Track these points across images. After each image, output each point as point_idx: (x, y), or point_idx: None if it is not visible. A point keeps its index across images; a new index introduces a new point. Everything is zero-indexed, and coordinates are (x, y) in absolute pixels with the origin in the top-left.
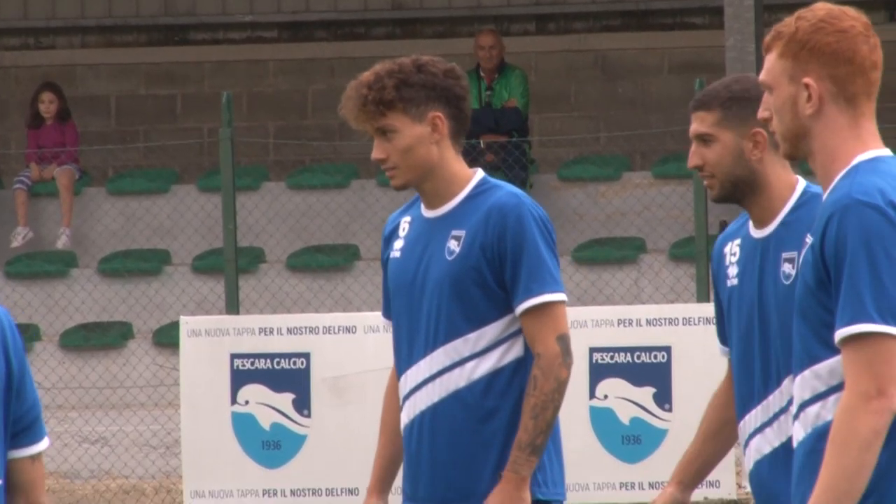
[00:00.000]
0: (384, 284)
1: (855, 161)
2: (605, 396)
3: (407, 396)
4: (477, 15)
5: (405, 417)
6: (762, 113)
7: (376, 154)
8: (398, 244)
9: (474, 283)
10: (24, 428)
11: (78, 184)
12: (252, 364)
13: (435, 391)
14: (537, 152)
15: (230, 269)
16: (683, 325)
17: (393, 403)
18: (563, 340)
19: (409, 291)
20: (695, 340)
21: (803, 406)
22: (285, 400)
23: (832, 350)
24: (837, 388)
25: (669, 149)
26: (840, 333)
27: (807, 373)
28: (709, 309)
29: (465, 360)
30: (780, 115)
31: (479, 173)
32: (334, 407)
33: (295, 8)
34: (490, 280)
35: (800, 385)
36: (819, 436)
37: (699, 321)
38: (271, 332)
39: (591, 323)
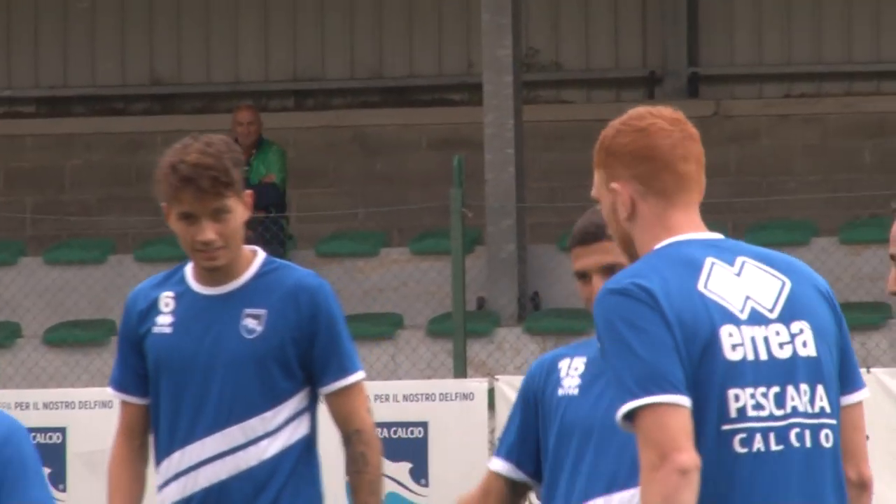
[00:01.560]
0: (127, 359)
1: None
2: None
3: (183, 472)
4: (235, 90)
5: (179, 493)
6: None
7: (207, 235)
8: (164, 319)
9: (276, 362)
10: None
11: None
12: None
13: (224, 468)
14: (295, 228)
15: None
16: (441, 400)
17: (127, 474)
18: (372, 414)
19: (188, 368)
20: (452, 416)
21: None
22: None
23: None
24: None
25: (427, 225)
26: (618, 419)
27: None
28: (467, 385)
29: (259, 439)
30: (609, 225)
31: (260, 251)
32: (90, 481)
33: (53, 82)
34: (292, 359)
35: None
36: None
37: (456, 397)
38: (27, 407)
39: None
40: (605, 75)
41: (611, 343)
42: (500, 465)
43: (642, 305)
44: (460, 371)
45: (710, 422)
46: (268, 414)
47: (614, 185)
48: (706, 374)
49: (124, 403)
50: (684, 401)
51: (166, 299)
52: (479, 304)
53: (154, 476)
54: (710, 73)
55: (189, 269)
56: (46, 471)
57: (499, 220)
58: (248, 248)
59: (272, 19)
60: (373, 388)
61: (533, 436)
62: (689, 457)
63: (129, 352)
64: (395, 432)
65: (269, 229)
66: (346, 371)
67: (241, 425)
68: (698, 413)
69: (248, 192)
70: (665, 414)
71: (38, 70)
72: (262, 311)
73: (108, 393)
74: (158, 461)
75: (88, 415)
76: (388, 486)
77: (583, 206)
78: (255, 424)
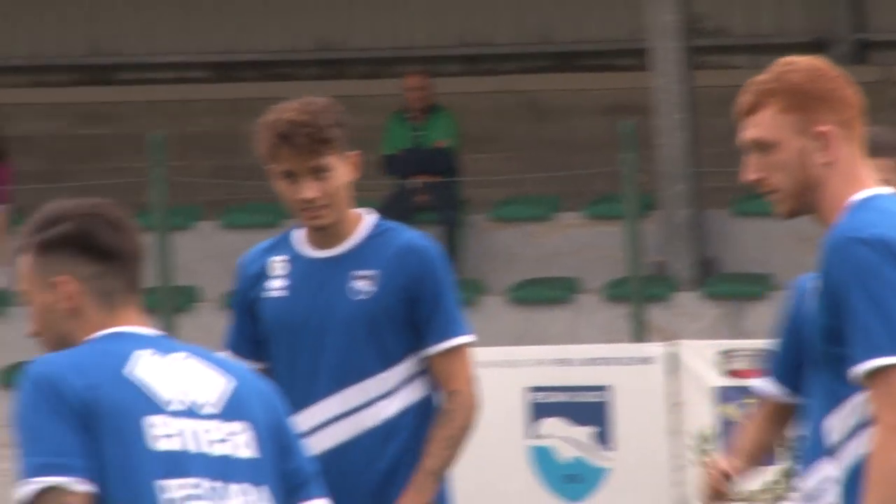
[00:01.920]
0: (240, 324)
1: (852, 200)
2: (545, 436)
3: (303, 436)
4: (404, 56)
5: None
6: (752, 174)
7: (307, 193)
8: (276, 283)
9: (388, 323)
10: (299, 484)
11: (11, 224)
12: None
13: (342, 430)
14: (469, 193)
15: (164, 307)
16: (620, 364)
17: None
18: (474, 381)
19: (301, 332)
20: (632, 380)
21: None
22: None
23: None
24: (864, 424)
25: (598, 190)
26: (856, 371)
27: (836, 412)
28: (646, 349)
29: (377, 400)
30: (787, 170)
31: (373, 214)
32: None
33: (223, 48)
34: (403, 320)
35: (830, 426)
36: (855, 472)
37: (635, 361)
38: None
39: (529, 363)
40: (771, 41)
41: (860, 294)
42: (771, 388)
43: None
44: (639, 335)
45: None
46: (383, 374)
47: (821, 128)
48: None
49: None
50: None
51: (277, 263)
52: (656, 269)
53: None
54: (878, 38)
55: (299, 233)
56: None
57: (672, 185)
58: (359, 210)
59: None
60: (551, 352)
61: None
62: None
63: (242, 316)
64: (578, 396)
65: (443, 194)
66: (448, 334)
67: (357, 386)
68: None
69: (355, 152)
70: None
71: (211, 36)
72: (372, 273)
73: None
74: None
75: None
76: (574, 450)
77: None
78: (371, 385)
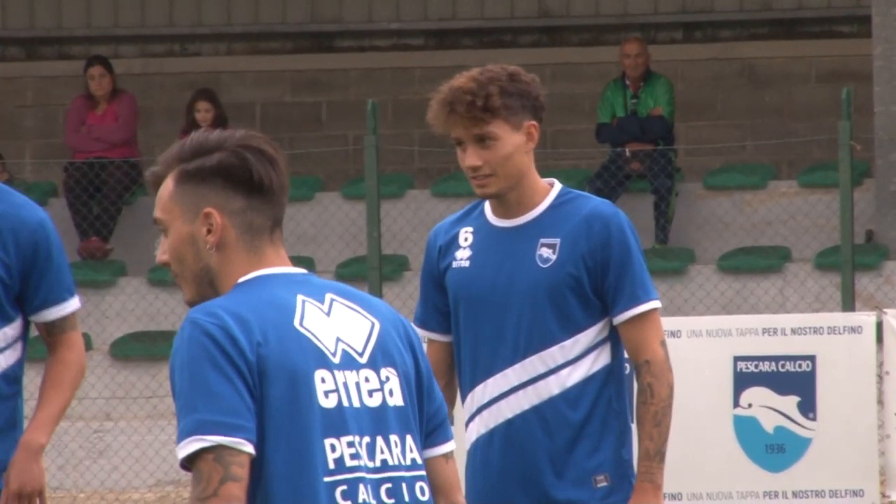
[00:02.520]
0: (429, 296)
1: None
2: (750, 405)
3: (485, 406)
4: (624, 23)
5: (482, 426)
6: None
7: (472, 161)
8: (462, 254)
9: (571, 291)
10: (436, 427)
11: None
12: None
13: (526, 399)
14: (683, 161)
15: (374, 276)
16: (828, 334)
17: None
18: (665, 346)
19: (485, 301)
20: (840, 350)
21: None
22: None
23: None
24: None
25: (815, 158)
26: None
27: None
28: (855, 318)
29: (560, 368)
30: None
31: (557, 183)
32: None
33: (441, 15)
34: (587, 288)
35: None
36: None
37: (844, 330)
38: None
39: (736, 332)
40: None
41: None
42: None
43: None
44: (848, 304)
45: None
46: (566, 342)
47: None
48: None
49: (429, 341)
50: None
51: (465, 234)
52: (867, 237)
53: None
54: None
55: (488, 204)
56: None
57: (888, 153)
58: (545, 180)
59: None
60: (760, 321)
61: None
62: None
63: (431, 289)
64: (783, 366)
65: (657, 162)
66: (637, 300)
67: (540, 355)
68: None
69: (532, 122)
70: None
71: (427, 3)
72: (555, 240)
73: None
74: (463, 397)
75: None
76: (776, 421)
77: None
78: (555, 353)
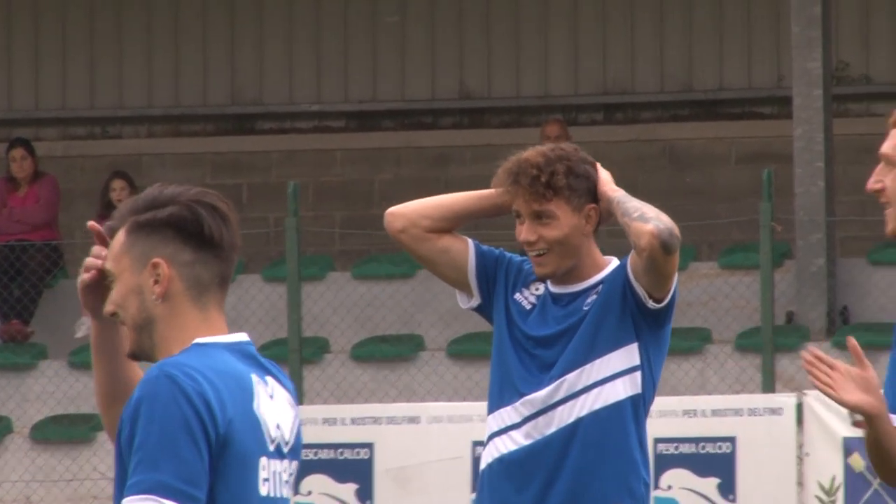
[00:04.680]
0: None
1: None
2: (670, 487)
3: (528, 419)
4: (545, 104)
5: (524, 438)
6: (874, 184)
7: (527, 235)
8: (529, 297)
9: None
10: None
11: None
12: (315, 454)
13: (574, 410)
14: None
15: (294, 359)
16: (749, 415)
17: None
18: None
19: (536, 346)
20: (760, 431)
21: None
22: (348, 490)
23: None
24: None
25: (736, 239)
26: None
27: None
28: (775, 400)
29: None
30: None
31: (615, 261)
32: (398, 498)
33: (362, 97)
34: (626, 312)
35: None
36: None
37: (764, 412)
38: (335, 423)
39: (656, 413)
40: None
41: None
42: None
43: None
44: (769, 386)
45: None
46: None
47: None
48: None
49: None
50: None
51: (536, 286)
52: (787, 319)
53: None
54: None
55: None
56: (353, 486)
57: (808, 234)
58: (604, 257)
59: (581, 33)
60: (681, 403)
61: None
62: None
63: (491, 258)
64: (704, 447)
65: None
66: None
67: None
68: None
69: (592, 205)
70: None
71: (348, 85)
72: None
73: (419, 408)
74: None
75: (396, 430)
76: (697, 502)
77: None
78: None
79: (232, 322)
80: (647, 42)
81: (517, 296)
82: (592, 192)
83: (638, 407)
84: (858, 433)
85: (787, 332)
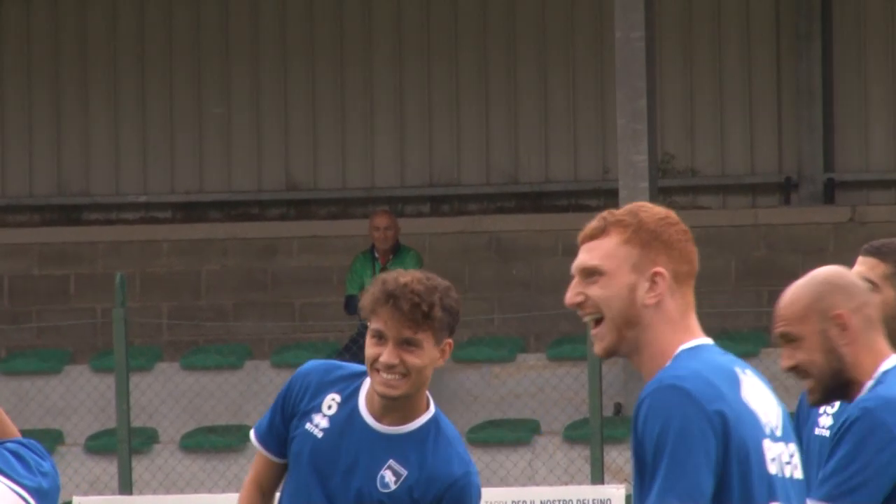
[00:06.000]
0: (274, 420)
1: (678, 349)
2: None
3: None
4: (371, 196)
5: None
6: (574, 298)
7: (390, 358)
8: (320, 421)
9: None
10: None
11: None
12: None
13: None
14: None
15: (123, 449)
16: None
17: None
18: None
19: (327, 481)
20: None
21: None
22: None
23: None
24: None
25: (563, 330)
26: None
27: None
28: (604, 491)
29: None
30: (610, 301)
31: (433, 404)
32: None
33: (188, 188)
34: None
35: None
36: None
37: (593, 503)
38: None
39: None
40: (741, 181)
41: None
42: None
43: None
44: (598, 477)
45: None
46: None
47: (658, 269)
48: None
49: (260, 454)
50: None
51: (332, 401)
52: (616, 410)
53: None
54: (846, 178)
55: (365, 390)
56: None
57: None
58: (428, 396)
59: (407, 125)
60: (510, 494)
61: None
62: None
63: (279, 416)
64: None
65: None
66: None
67: None
68: None
69: (449, 340)
70: None
71: (174, 176)
72: (402, 472)
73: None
74: None
75: None
76: None
77: (720, 311)
78: None
79: (59, 412)
80: (473, 134)
81: (308, 426)
82: (452, 328)
83: None
84: None
85: (616, 423)
